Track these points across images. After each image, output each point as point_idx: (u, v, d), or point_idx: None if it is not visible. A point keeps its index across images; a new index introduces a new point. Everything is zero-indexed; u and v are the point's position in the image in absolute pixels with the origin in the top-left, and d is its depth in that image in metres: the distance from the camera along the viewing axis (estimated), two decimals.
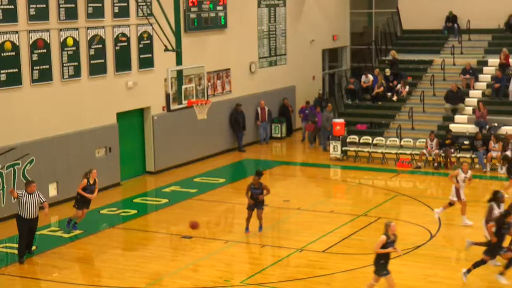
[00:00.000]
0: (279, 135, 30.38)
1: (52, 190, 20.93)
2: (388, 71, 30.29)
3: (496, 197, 15.95)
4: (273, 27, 30.64)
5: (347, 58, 36.09)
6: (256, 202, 18.15)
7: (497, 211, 15.60)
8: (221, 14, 27.25)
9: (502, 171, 24.05)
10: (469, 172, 19.09)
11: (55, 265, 16.38)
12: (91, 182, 18.30)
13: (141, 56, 23.92)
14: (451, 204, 18.94)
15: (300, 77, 32.18)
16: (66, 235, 18.46)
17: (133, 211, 20.62)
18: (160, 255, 16.96)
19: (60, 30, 21.22)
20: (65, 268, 16.16)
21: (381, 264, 13.81)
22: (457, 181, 18.83)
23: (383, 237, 13.71)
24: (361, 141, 26.90)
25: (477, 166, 24.80)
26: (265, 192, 18.14)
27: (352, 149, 26.70)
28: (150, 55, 24.17)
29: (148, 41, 24.05)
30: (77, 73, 21.72)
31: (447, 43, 32.82)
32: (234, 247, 17.42)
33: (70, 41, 21.49)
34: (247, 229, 18.30)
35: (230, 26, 27.67)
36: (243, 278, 15.35)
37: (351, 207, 21.08)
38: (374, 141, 26.77)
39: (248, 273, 15.64)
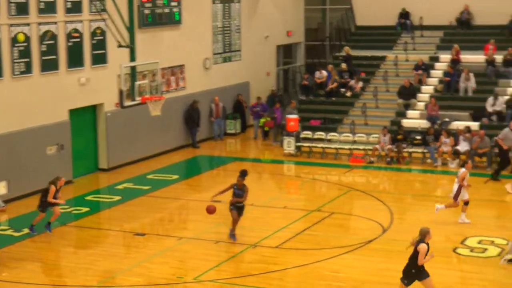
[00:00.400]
0: (233, 131, 30.37)
1: (2, 189, 20.62)
2: (344, 66, 30.49)
3: None
4: (227, 23, 30.61)
5: (301, 54, 36.22)
6: (237, 204, 17.28)
7: None
8: (175, 10, 27.13)
9: (453, 166, 24.38)
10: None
11: (5, 264, 16.15)
12: (58, 188, 17.98)
13: (94, 52, 23.70)
14: (466, 203, 18.47)
15: (255, 73, 32.22)
16: (16, 234, 18.22)
17: (86, 209, 20.44)
18: (113, 253, 16.86)
19: (11, 25, 20.90)
20: (15, 268, 15.95)
21: (413, 273, 12.97)
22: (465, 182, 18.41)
23: (425, 246, 12.77)
24: (315, 136, 27.05)
25: (428, 160, 25.09)
26: (244, 195, 17.32)
27: (306, 144, 26.83)
28: (103, 51, 23.95)
29: (101, 37, 23.84)
30: (28, 69, 21.43)
31: (400, 39, 33.15)
32: (188, 243, 17.38)
33: (21, 37, 21.19)
34: (233, 236, 17.37)
35: (184, 22, 27.57)
36: (196, 275, 15.34)
37: (305, 203, 21.19)
38: (328, 137, 26.94)
39: (201, 269, 15.62)
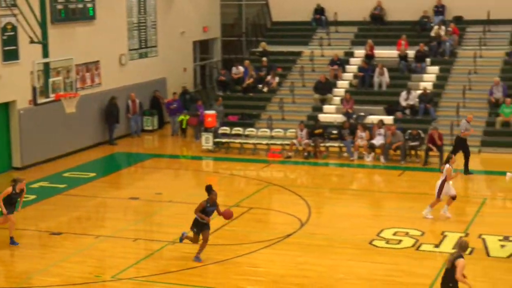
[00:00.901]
0: (150, 128, 30.10)
1: None
2: (265, 61, 30.65)
3: None
4: (143, 19, 30.31)
5: (218, 50, 36.19)
6: (206, 222, 15.79)
7: None
8: (89, 5, 26.70)
9: (369, 159, 24.81)
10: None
11: None
12: (17, 191, 17.12)
13: (5, 48, 23.10)
14: (453, 198, 18.36)
15: (171, 69, 32.00)
16: None
17: None
18: (29, 253, 16.47)
19: None
20: None
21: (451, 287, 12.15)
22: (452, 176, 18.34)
23: (463, 260, 12.01)
24: (233, 132, 27.09)
25: (345, 154, 25.45)
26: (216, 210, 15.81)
27: (224, 140, 26.83)
28: (15, 47, 23.37)
29: (13, 33, 23.24)
30: None
31: (316, 34, 33.54)
32: (105, 242, 17.15)
33: None
34: (199, 258, 15.73)
35: (99, 17, 27.15)
36: (114, 273, 15.15)
37: (223, 198, 21.09)
38: (246, 132, 27.03)
39: (119, 267, 15.43)
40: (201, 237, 15.74)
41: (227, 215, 16.03)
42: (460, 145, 22.95)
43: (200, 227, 15.70)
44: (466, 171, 22.68)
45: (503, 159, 24.81)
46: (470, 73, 28.86)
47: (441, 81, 29.21)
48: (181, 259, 15.92)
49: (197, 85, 34.37)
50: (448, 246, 16.14)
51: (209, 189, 15.72)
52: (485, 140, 26.09)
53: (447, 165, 18.22)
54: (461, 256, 11.99)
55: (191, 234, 15.86)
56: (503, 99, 26.85)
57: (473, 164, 23.95)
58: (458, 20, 32.19)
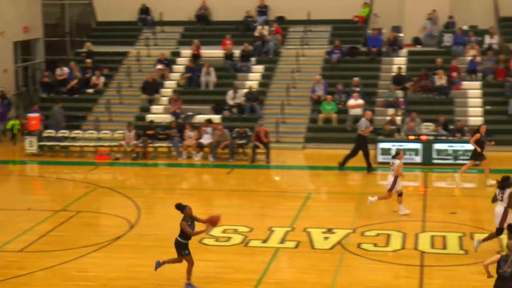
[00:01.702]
0: None
1: None
2: (89, 62, 30.07)
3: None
4: None
5: (41, 51, 35.05)
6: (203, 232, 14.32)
7: None
8: None
9: (198, 158, 24.99)
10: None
11: None
12: None
13: None
14: (400, 194, 18.25)
15: None
16: None
17: None
18: None
19: None
20: None
21: None
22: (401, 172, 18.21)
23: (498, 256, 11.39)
24: (59, 135, 26.41)
25: (173, 153, 25.48)
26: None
27: (49, 143, 26.09)
28: None
29: None
30: None
31: (142, 34, 33.37)
32: None
33: None
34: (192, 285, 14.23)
35: None
36: None
37: (50, 203, 20.63)
38: (72, 135, 26.44)
39: None
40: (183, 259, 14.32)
41: (214, 221, 14.38)
42: (361, 143, 22.96)
43: (186, 249, 14.15)
44: (369, 168, 22.87)
45: (326, 154, 25.78)
46: (293, 72, 29.75)
47: (266, 79, 29.92)
48: (5, 268, 15.29)
49: (19, 87, 33.12)
50: (275, 241, 16.54)
51: (180, 207, 14.04)
52: (308, 136, 27.01)
53: (397, 161, 18.15)
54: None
55: (175, 257, 14.35)
56: (324, 96, 27.88)
57: (297, 159, 24.73)
58: (280, 20, 33.08)
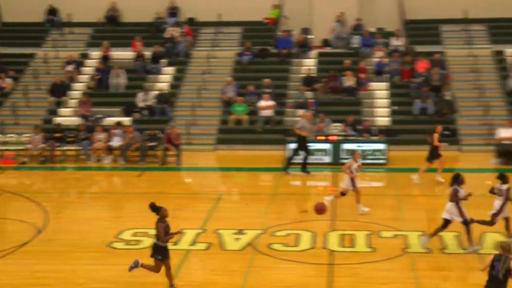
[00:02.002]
0: None
1: None
2: None
3: (459, 180, 15.63)
4: None
5: None
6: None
7: (462, 192, 15.53)
8: None
9: (107, 161, 24.65)
10: (359, 160, 18.75)
11: None
12: None
13: None
14: (343, 193, 18.46)
15: None
16: None
17: None
18: None
19: None
20: None
21: None
22: (351, 171, 18.30)
23: None
24: None
25: (82, 157, 25.07)
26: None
27: None
28: None
29: None
30: None
31: (49, 36, 32.72)
32: None
33: None
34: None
35: None
36: None
37: None
38: None
39: None
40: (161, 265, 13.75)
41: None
42: (300, 142, 23.01)
43: (164, 253, 13.71)
44: (304, 168, 22.94)
45: (237, 155, 25.86)
46: (204, 73, 29.73)
47: (177, 81, 29.81)
48: None
49: None
50: (185, 243, 16.46)
51: (155, 208, 13.49)
52: (219, 138, 27.04)
53: (349, 161, 18.61)
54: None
55: (151, 262, 13.86)
56: (235, 98, 27.96)
57: (209, 161, 24.70)
58: (191, 21, 33.00)
